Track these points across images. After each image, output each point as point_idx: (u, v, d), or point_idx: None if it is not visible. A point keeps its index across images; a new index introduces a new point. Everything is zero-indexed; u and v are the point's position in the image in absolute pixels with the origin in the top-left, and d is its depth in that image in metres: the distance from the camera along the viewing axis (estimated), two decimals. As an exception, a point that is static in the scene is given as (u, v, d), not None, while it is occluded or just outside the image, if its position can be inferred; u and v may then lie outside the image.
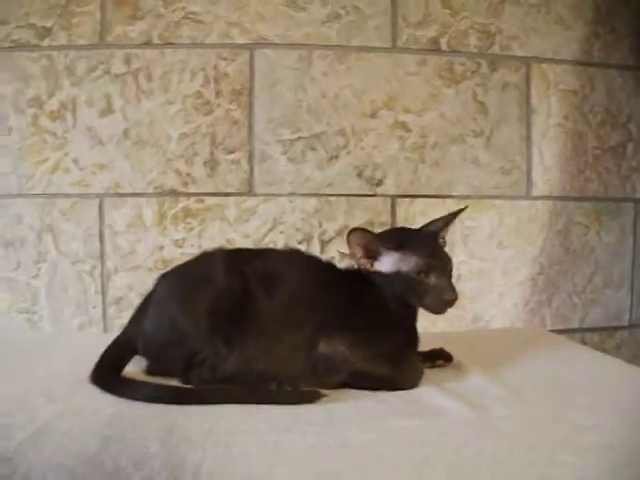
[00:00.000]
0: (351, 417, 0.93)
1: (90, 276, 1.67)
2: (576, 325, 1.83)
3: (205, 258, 1.15)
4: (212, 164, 1.68)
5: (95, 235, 1.66)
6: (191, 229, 1.68)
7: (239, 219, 1.69)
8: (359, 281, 1.14)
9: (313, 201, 1.70)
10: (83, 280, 1.67)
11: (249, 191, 1.69)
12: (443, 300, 1.08)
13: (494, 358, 1.27)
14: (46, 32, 1.64)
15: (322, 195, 1.71)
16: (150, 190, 1.67)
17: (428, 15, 1.72)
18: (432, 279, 1.08)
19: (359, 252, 1.12)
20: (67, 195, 1.66)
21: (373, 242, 1.11)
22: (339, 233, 1.70)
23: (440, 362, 1.22)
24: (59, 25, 1.64)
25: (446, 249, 1.18)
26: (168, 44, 1.66)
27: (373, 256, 1.11)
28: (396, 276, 1.10)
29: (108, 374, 1.02)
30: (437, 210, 1.73)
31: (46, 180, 1.65)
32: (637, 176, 1.85)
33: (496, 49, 1.75)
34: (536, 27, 1.76)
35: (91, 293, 1.67)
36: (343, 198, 1.72)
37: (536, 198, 1.79)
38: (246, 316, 1.05)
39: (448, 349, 1.25)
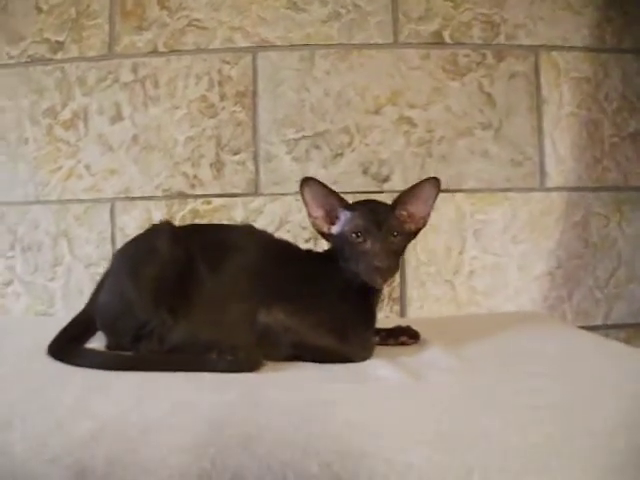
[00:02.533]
0: (283, 381, 0.91)
1: (103, 279, 1.71)
2: (599, 322, 1.74)
3: (152, 231, 1.16)
4: (218, 166, 1.71)
5: (107, 239, 1.71)
6: (199, 230, 1.70)
7: (246, 219, 1.70)
8: (313, 257, 1.13)
9: (318, 199, 1.70)
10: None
11: (255, 191, 1.71)
12: (372, 266, 1.03)
13: (467, 337, 1.22)
14: (59, 46, 1.72)
15: (328, 193, 1.70)
16: (159, 193, 1.71)
17: (429, 9, 1.71)
18: (368, 244, 1.05)
19: (316, 211, 1.10)
20: (80, 201, 1.71)
21: (332, 197, 1.10)
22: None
23: (404, 339, 1.18)
24: (71, 38, 1.72)
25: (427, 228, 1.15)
26: (173, 51, 1.71)
27: (331, 220, 1.10)
28: (340, 237, 1.08)
29: (63, 345, 1.04)
30: (446, 204, 1.71)
31: (61, 187, 1.72)
32: (659, 163, 1.77)
33: (501, 39, 1.72)
34: (543, 15, 1.72)
35: (105, 296, 1.71)
36: (349, 195, 1.68)
37: (550, 190, 1.73)
38: (192, 287, 1.05)
39: (427, 331, 1.22)
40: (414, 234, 1.13)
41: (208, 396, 0.83)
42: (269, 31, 1.71)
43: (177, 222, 1.69)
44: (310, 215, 1.13)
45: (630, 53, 1.74)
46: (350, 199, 1.66)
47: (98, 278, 1.65)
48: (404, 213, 1.11)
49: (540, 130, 1.73)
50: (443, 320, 1.55)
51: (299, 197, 1.68)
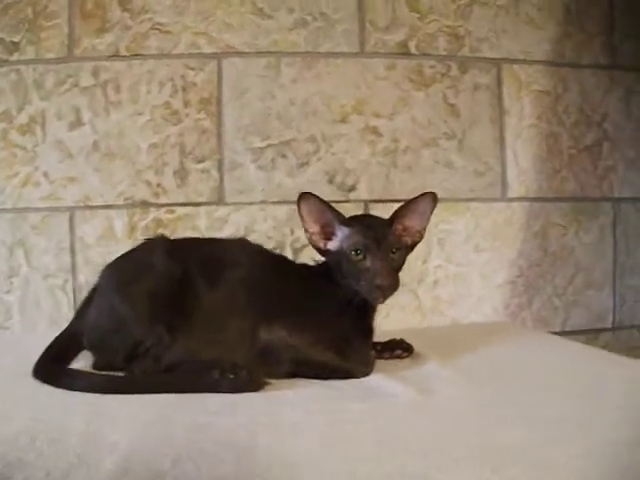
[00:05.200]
0: (291, 401, 0.91)
1: (62, 290, 1.66)
2: (558, 328, 1.79)
3: (146, 245, 1.13)
4: (182, 174, 1.67)
5: (66, 248, 1.66)
6: (162, 240, 1.66)
7: (210, 228, 1.67)
8: (309, 272, 1.13)
9: (285, 209, 1.69)
10: (55, 295, 1.66)
11: (220, 200, 1.68)
12: (374, 284, 1.03)
13: (456, 348, 1.25)
14: (14, 47, 1.64)
15: (293, 202, 1.67)
16: (120, 202, 1.66)
17: (396, 19, 1.72)
18: (368, 261, 1.05)
19: (312, 227, 1.10)
20: (37, 209, 1.65)
21: (328, 213, 1.09)
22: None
23: (399, 352, 1.19)
24: (27, 39, 1.65)
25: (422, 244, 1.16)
26: (136, 55, 1.66)
27: (327, 235, 1.10)
28: (338, 254, 1.08)
29: (49, 366, 1.00)
30: (411, 214, 1.72)
31: (17, 194, 1.65)
32: (614, 175, 1.83)
33: (466, 51, 1.74)
34: (506, 28, 1.75)
35: (64, 308, 1.66)
36: (315, 205, 1.70)
37: (512, 200, 1.77)
38: (189, 303, 1.02)
39: (412, 343, 1.23)
40: (411, 248, 1.13)
41: (225, 420, 0.81)
42: (235, 37, 1.68)
43: (139, 231, 1.67)
44: (306, 230, 1.12)
45: (588, 68, 1.79)
46: None
47: (70, 292, 1.65)
48: (400, 227, 1.11)
49: (502, 141, 1.76)
50: (421, 332, 1.56)
51: (264, 207, 1.71)
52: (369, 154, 1.72)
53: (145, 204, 1.67)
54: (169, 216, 1.67)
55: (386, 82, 1.72)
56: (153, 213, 1.67)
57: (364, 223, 1.10)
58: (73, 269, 1.65)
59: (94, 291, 1.12)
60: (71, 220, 1.66)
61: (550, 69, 1.77)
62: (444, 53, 1.74)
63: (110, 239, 1.66)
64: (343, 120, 1.71)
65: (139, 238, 1.63)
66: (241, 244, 1.17)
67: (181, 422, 0.80)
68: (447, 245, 1.75)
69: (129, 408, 0.86)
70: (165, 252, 1.07)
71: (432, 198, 1.11)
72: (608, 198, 1.82)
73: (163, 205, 1.67)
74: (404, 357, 1.19)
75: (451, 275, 1.75)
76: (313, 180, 1.70)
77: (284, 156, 1.69)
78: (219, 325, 1.02)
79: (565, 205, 1.80)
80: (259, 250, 1.17)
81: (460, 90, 1.74)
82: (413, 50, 1.73)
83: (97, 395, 0.91)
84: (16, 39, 1.65)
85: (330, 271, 1.09)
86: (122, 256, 1.15)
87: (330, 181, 1.70)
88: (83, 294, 1.61)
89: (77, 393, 0.92)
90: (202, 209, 1.67)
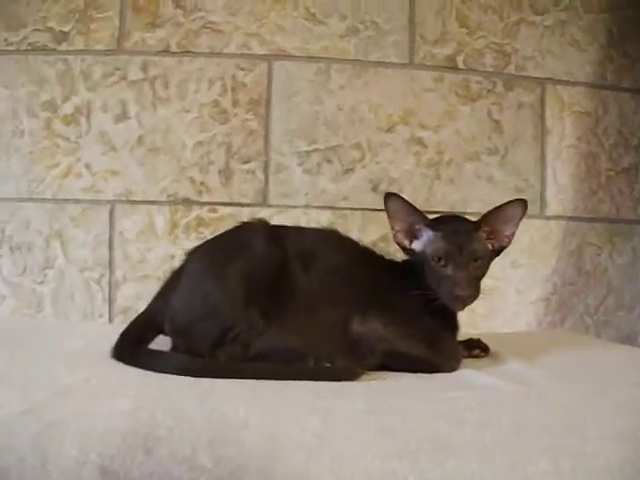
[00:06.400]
0: (396, 390, 0.89)
1: (98, 284, 1.62)
2: (588, 347, 1.81)
3: (244, 227, 1.10)
4: (227, 173, 1.66)
5: (104, 242, 1.63)
6: (203, 239, 1.63)
7: (252, 230, 1.66)
8: (397, 265, 1.11)
9: (328, 214, 1.68)
10: (90, 288, 1.62)
11: (263, 202, 1.67)
12: (453, 294, 1.03)
13: (523, 350, 1.25)
14: (63, 36, 1.63)
15: (337, 208, 1.69)
16: (163, 198, 1.64)
17: (445, 33, 1.74)
18: (449, 269, 1.04)
19: (398, 225, 1.09)
20: (77, 201, 1.62)
21: (413, 213, 1.08)
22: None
23: (477, 352, 1.18)
24: (77, 30, 1.63)
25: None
26: (186, 52, 1.65)
27: (413, 234, 1.09)
28: (422, 256, 1.07)
29: (130, 347, 0.97)
30: (451, 227, 1.72)
31: (57, 185, 1.62)
32: (649, 199, 1.86)
33: (511, 69, 1.77)
34: (551, 48, 1.78)
35: (98, 302, 1.63)
36: (358, 212, 1.70)
37: (549, 218, 1.79)
38: (284, 290, 1.00)
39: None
40: (496, 254, 1.12)
41: (340, 403, 0.79)
42: (286, 40, 1.68)
43: (180, 228, 1.65)
44: (392, 228, 1.11)
45: (628, 92, 1.83)
46: (358, 215, 1.70)
47: (106, 287, 1.62)
48: (488, 230, 1.10)
49: (543, 160, 1.78)
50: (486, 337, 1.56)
51: (307, 211, 1.71)
52: (413, 164, 1.72)
53: (188, 202, 1.65)
54: (212, 215, 1.65)
55: (433, 94, 1.73)
56: (195, 211, 1.65)
57: (450, 227, 1.09)
58: (110, 264, 1.62)
59: (177, 273, 1.08)
60: (111, 214, 1.63)
61: (591, 91, 1.80)
62: (490, 69, 1.76)
63: (150, 235, 1.63)
64: (389, 129, 1.72)
65: (180, 236, 1.63)
66: (333, 235, 1.15)
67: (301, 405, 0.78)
68: (485, 259, 1.75)
69: (238, 391, 0.83)
70: (266, 235, 1.05)
71: (522, 205, 1.11)
72: (642, 221, 1.85)
73: (206, 204, 1.65)
74: (482, 357, 1.18)
75: (487, 289, 1.75)
76: (357, 187, 1.70)
77: (329, 161, 1.69)
78: (312, 314, 1.00)
79: (600, 226, 1.82)
80: (350, 242, 1.15)
81: (504, 107, 1.76)
82: (460, 65, 1.75)
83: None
84: (66, 29, 1.63)
85: (415, 269, 1.09)
86: (214, 238, 1.13)
87: (374, 189, 1.70)
88: (119, 289, 1.62)
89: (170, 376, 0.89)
90: (245, 210, 1.66)
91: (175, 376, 0.88)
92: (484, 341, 1.24)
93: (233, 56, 1.67)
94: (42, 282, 1.61)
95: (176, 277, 1.07)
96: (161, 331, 1.04)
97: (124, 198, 1.63)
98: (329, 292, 1.03)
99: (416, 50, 1.73)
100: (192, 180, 1.65)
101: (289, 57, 1.68)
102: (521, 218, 1.12)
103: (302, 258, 1.04)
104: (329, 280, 1.04)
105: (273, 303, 0.99)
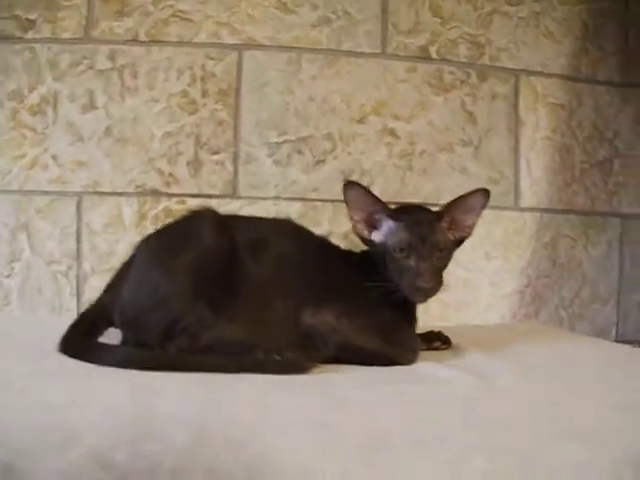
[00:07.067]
0: (346, 383, 0.87)
1: (65, 277, 1.60)
2: (562, 340, 1.80)
3: (193, 217, 1.08)
4: (196, 164, 1.64)
5: (72, 234, 1.60)
6: (172, 230, 1.62)
7: (222, 222, 1.64)
8: (355, 256, 1.10)
9: (298, 205, 1.66)
10: (58, 281, 1.60)
11: (233, 193, 1.65)
12: (415, 286, 1.02)
13: (490, 342, 1.24)
14: (30, 24, 1.60)
15: (307, 200, 1.67)
16: (131, 189, 1.62)
17: (418, 23, 1.72)
18: (411, 261, 1.03)
19: (358, 215, 1.07)
20: (44, 192, 1.60)
21: (373, 203, 1.06)
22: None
23: (437, 344, 1.17)
24: (44, 18, 1.60)
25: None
26: (155, 41, 1.63)
27: (373, 224, 1.07)
28: (382, 247, 1.05)
29: (78, 340, 0.95)
30: (424, 219, 1.71)
31: (23, 176, 1.59)
32: (623, 191, 1.85)
33: (485, 59, 1.75)
34: (525, 40, 1.77)
35: (66, 295, 1.60)
36: (329, 203, 1.68)
37: (524, 210, 1.77)
38: (233, 281, 0.98)
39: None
40: (457, 244, 1.11)
41: (281, 397, 0.77)
42: (257, 30, 1.66)
43: (149, 220, 1.63)
44: (351, 218, 1.09)
45: (603, 85, 1.82)
46: (329, 207, 1.68)
47: (74, 280, 1.59)
48: (449, 220, 1.08)
49: (517, 151, 1.77)
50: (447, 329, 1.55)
51: (277, 202, 1.69)
52: (386, 155, 1.71)
53: (156, 193, 1.62)
54: (180, 207, 1.62)
55: (406, 85, 1.71)
56: (164, 203, 1.63)
57: (412, 217, 1.07)
58: (78, 256, 1.60)
59: (127, 265, 1.06)
60: (78, 205, 1.61)
61: (566, 83, 1.79)
62: (464, 60, 1.74)
63: (118, 227, 1.61)
64: (361, 120, 1.70)
65: (148, 227, 1.61)
66: (287, 225, 1.14)
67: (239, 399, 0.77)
68: (457, 250, 1.74)
69: (177, 385, 0.81)
70: (214, 224, 1.03)
71: (485, 194, 1.10)
72: (617, 214, 1.84)
73: (174, 195, 1.63)
74: (442, 349, 1.17)
75: (459, 281, 1.74)
76: (328, 178, 1.68)
77: (300, 152, 1.67)
78: (263, 306, 0.99)
79: (575, 218, 1.81)
80: (305, 232, 1.14)
81: (478, 98, 1.75)
82: (434, 55, 1.73)
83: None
84: (32, 16, 1.60)
85: (374, 260, 1.07)
86: (163, 228, 1.11)
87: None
88: (87, 281, 1.59)
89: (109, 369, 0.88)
90: (214, 201, 1.63)
91: (116, 370, 0.86)
92: (452, 334, 1.23)
93: (203, 45, 1.64)
94: (9, 275, 1.59)
95: (126, 268, 1.05)
96: (112, 324, 1.02)
97: (91, 189, 1.61)
98: (281, 283, 1.01)
99: (389, 40, 1.71)
100: (160, 171, 1.63)
101: (260, 47, 1.66)
102: (483, 208, 1.11)
103: (253, 248, 1.03)
104: (281, 270, 1.02)
105: (222, 294, 0.97)
